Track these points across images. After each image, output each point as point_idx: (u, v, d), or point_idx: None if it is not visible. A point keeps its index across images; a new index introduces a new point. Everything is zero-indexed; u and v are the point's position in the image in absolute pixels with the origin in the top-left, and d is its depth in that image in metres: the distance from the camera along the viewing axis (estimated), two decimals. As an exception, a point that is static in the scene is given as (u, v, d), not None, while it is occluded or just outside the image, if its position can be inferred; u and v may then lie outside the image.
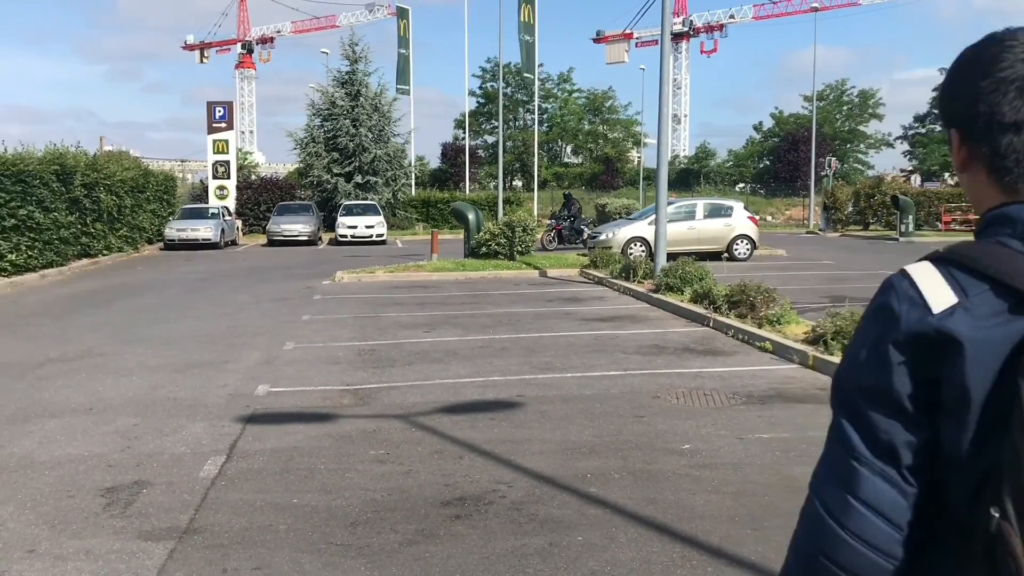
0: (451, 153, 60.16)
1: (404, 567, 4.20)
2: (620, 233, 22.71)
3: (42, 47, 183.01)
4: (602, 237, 22.71)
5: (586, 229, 27.15)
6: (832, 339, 8.84)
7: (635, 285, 15.41)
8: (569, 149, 76.33)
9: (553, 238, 27.84)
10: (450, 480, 5.47)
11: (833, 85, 71.67)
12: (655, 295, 14.11)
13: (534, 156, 55.70)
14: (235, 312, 13.69)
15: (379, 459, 5.92)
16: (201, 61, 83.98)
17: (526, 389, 8.02)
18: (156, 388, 8.25)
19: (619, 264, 17.55)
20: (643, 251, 21.27)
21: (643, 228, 21.85)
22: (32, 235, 19.64)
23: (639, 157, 69.61)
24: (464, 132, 59.10)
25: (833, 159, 50.55)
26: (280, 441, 6.40)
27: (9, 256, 18.69)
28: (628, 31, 70.18)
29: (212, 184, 36.27)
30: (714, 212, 23.74)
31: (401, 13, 46.70)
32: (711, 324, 11.46)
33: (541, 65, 58.34)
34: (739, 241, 23.18)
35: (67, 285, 18.50)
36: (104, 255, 24.25)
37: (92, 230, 23.57)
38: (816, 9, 45.54)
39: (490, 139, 70.78)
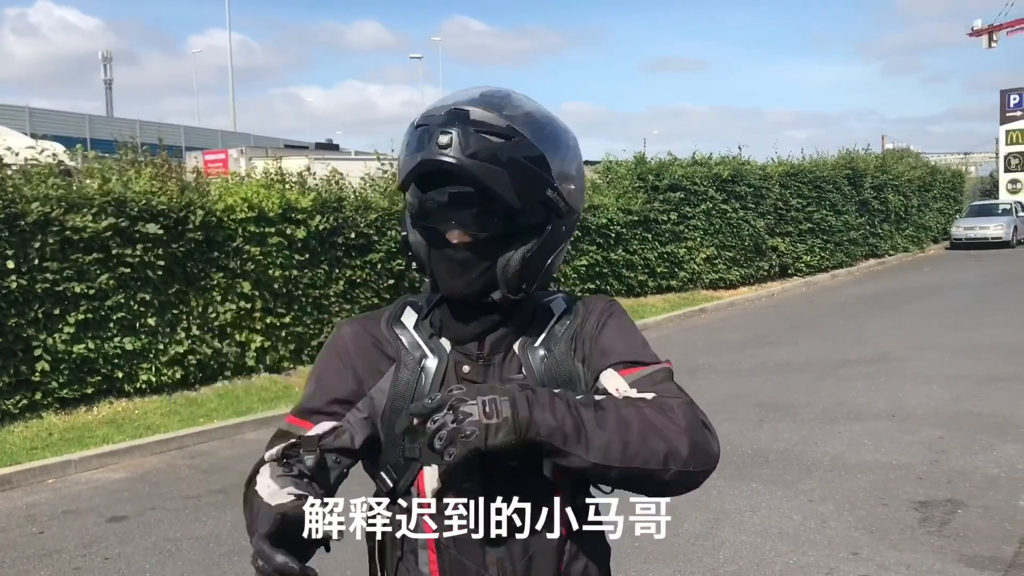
0: None
1: None
2: None
3: (823, 52, 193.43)
4: None
5: None
6: None
7: None
8: None
9: None
10: None
11: None
12: None
13: None
14: (1037, 321, 12.52)
15: None
16: (988, 46, 78.89)
17: None
18: (957, 399, 8.00)
19: None
20: None
21: None
22: (824, 237, 20.94)
23: None
24: None
25: None
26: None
27: (804, 258, 20.25)
28: None
29: (1003, 178, 33.78)
30: None
31: None
32: None
33: None
34: None
35: (856, 285, 19.19)
36: (890, 255, 24.51)
37: (879, 231, 24.03)
38: None
39: None
